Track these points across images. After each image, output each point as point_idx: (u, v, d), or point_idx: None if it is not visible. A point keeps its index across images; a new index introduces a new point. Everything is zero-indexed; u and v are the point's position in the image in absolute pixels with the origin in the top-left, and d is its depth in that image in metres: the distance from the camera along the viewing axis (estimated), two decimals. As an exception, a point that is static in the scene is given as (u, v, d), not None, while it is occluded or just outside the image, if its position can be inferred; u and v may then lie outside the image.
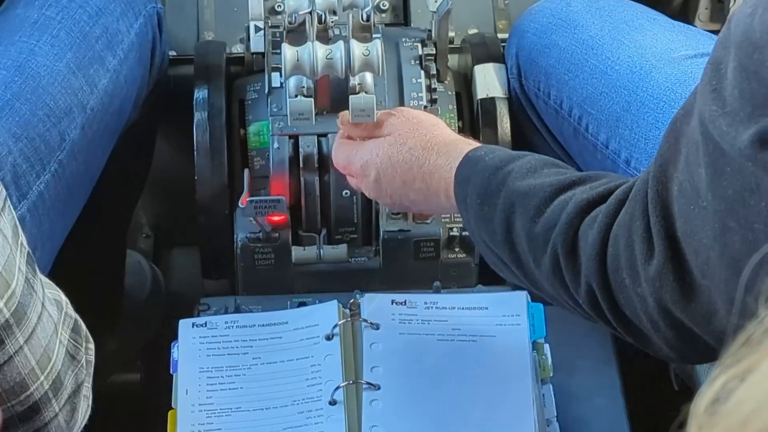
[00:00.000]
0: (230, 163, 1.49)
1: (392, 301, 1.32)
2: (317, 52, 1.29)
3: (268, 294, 1.42)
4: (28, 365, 0.96)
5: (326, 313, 1.31)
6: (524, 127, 1.55)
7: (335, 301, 1.32)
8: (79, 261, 1.46)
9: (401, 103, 1.48)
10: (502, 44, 1.59)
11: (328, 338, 1.28)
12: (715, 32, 1.09)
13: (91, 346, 1.08)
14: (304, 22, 1.35)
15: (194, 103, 1.50)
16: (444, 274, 1.46)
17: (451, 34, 1.56)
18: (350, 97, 1.31)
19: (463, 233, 1.46)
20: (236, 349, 1.30)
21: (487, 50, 1.58)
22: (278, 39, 1.46)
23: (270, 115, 1.46)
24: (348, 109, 1.31)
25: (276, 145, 1.45)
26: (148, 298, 1.81)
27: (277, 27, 1.49)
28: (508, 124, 1.52)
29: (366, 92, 1.31)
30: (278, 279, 1.45)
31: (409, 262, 1.46)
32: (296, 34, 1.34)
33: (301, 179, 1.46)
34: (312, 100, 1.32)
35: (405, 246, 1.46)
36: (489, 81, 1.54)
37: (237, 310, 1.37)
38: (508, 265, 1.12)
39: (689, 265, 0.90)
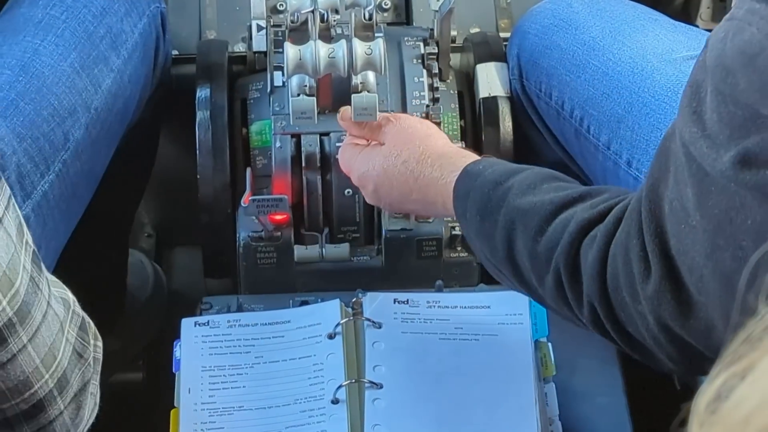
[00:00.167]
0: (232, 162, 1.49)
1: (394, 300, 1.32)
2: (319, 51, 1.29)
3: (271, 293, 1.42)
4: (32, 364, 0.96)
5: (328, 311, 1.31)
6: (526, 128, 1.55)
7: (337, 300, 1.32)
8: (81, 260, 1.46)
9: (403, 102, 1.48)
10: (504, 43, 1.59)
11: (331, 337, 1.28)
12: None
13: (99, 343, 1.08)
14: (306, 21, 1.35)
15: (196, 102, 1.50)
16: (446, 273, 1.46)
17: (453, 33, 1.56)
18: (352, 96, 1.31)
19: (465, 232, 1.46)
20: (238, 347, 1.30)
21: (489, 49, 1.58)
22: (280, 38, 1.46)
23: (272, 114, 1.46)
24: (350, 107, 1.31)
25: (278, 144, 1.45)
26: (150, 297, 1.81)
27: (279, 26, 1.49)
28: (510, 123, 1.52)
29: (368, 91, 1.32)
30: (280, 278, 1.45)
31: (412, 261, 1.46)
32: (298, 33, 1.34)
33: (304, 178, 1.46)
34: (314, 99, 1.32)
35: (407, 245, 1.46)
36: (491, 80, 1.54)
37: (239, 309, 1.37)
38: (510, 279, 1.13)
39: (685, 283, 0.90)
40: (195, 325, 1.31)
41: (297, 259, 1.45)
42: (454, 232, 1.46)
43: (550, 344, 1.29)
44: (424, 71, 1.51)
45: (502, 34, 1.66)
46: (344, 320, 1.29)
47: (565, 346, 1.32)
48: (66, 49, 1.39)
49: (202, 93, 1.51)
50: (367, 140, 1.34)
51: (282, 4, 1.50)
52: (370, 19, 1.33)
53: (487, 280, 1.46)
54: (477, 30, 1.70)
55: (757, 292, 0.60)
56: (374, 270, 1.47)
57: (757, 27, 0.80)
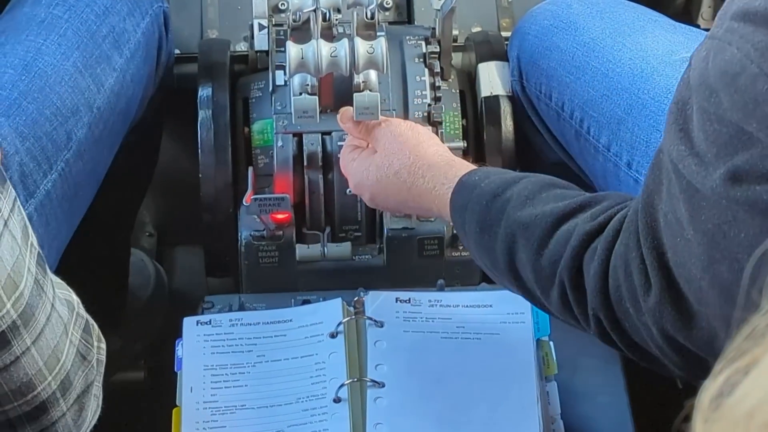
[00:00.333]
0: (234, 161, 1.49)
1: (396, 299, 1.32)
2: (321, 50, 1.29)
3: (272, 292, 1.42)
4: (36, 366, 0.96)
5: (330, 310, 1.31)
6: (526, 129, 1.55)
7: (339, 299, 1.32)
8: (83, 259, 1.46)
9: (405, 101, 1.49)
10: (506, 42, 1.59)
11: (333, 336, 1.29)
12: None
13: (103, 345, 1.08)
14: (308, 20, 1.35)
15: (198, 101, 1.50)
16: (448, 271, 1.46)
17: (455, 32, 1.55)
18: (354, 95, 1.31)
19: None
20: (240, 346, 1.30)
21: (491, 48, 1.58)
22: (282, 37, 1.46)
23: (274, 113, 1.46)
24: (352, 106, 1.31)
25: (280, 143, 1.45)
26: (152, 296, 1.81)
27: (281, 25, 1.49)
28: (512, 122, 1.52)
29: (370, 90, 1.32)
30: (282, 277, 1.45)
31: (413, 259, 1.46)
32: (300, 32, 1.34)
33: (305, 177, 1.46)
34: (316, 98, 1.33)
35: (409, 244, 1.46)
36: (493, 79, 1.54)
37: (241, 308, 1.37)
38: (513, 289, 1.13)
39: (685, 294, 0.90)
40: (197, 324, 1.31)
41: (299, 258, 1.45)
42: (455, 231, 1.46)
43: (551, 343, 1.29)
44: (426, 70, 1.51)
45: (504, 33, 1.66)
46: (346, 319, 1.29)
47: (566, 344, 1.31)
48: (69, 49, 1.39)
49: (204, 92, 1.51)
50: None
51: (284, 3, 1.50)
52: (372, 18, 1.34)
53: (488, 279, 1.46)
54: (478, 29, 1.70)
55: (761, 288, 0.60)
56: (376, 269, 1.47)
57: (737, 46, 0.80)
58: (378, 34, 1.34)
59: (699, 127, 0.83)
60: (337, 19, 1.37)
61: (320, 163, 1.45)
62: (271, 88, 1.48)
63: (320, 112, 1.34)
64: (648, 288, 0.93)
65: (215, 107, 1.50)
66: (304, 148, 1.45)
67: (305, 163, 1.45)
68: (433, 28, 1.54)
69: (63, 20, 1.41)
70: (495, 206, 1.11)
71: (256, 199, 1.40)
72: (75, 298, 1.05)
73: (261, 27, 1.53)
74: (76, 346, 1.02)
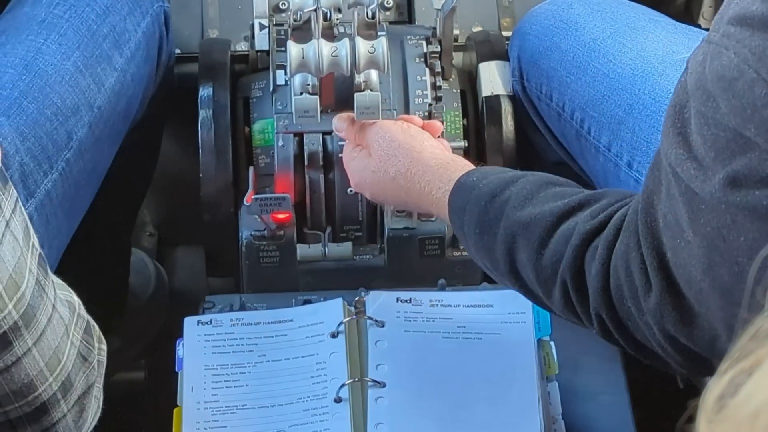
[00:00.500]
0: (235, 161, 1.49)
1: (397, 299, 1.32)
2: (322, 49, 1.29)
3: (273, 292, 1.42)
4: (37, 367, 0.96)
5: (331, 310, 1.31)
6: (527, 129, 1.55)
7: (340, 299, 1.32)
8: (84, 259, 1.46)
9: (406, 101, 1.49)
10: (507, 42, 1.59)
11: (333, 336, 1.28)
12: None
13: (104, 347, 1.08)
14: (309, 20, 1.35)
15: (198, 100, 1.50)
16: (449, 271, 1.46)
17: (456, 31, 1.56)
18: (355, 94, 1.31)
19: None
20: (241, 346, 1.30)
21: (492, 48, 1.58)
22: (283, 37, 1.46)
23: (275, 113, 1.46)
24: (353, 106, 1.31)
25: (281, 143, 1.45)
26: (152, 296, 1.81)
27: (282, 25, 1.49)
28: (513, 122, 1.52)
29: (371, 90, 1.31)
30: (283, 277, 1.45)
31: (414, 259, 1.46)
32: (301, 31, 1.34)
33: (306, 177, 1.46)
34: (317, 97, 1.32)
35: (410, 244, 1.46)
36: (493, 79, 1.54)
37: (242, 308, 1.37)
38: (514, 289, 1.13)
39: (685, 295, 0.91)
40: (198, 324, 1.31)
41: (300, 257, 1.45)
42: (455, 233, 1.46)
43: (552, 343, 1.29)
44: (427, 70, 1.51)
45: (505, 33, 1.66)
46: (347, 319, 1.29)
47: (567, 344, 1.31)
48: (69, 48, 1.39)
49: (205, 92, 1.51)
50: None
51: (284, 3, 1.50)
52: (373, 17, 1.34)
53: (489, 279, 1.46)
54: (479, 29, 1.70)
55: (765, 289, 0.60)
56: (377, 269, 1.47)
57: (734, 51, 0.80)
58: (379, 33, 1.34)
59: (697, 131, 0.83)
60: (337, 19, 1.37)
61: (321, 163, 1.45)
62: (271, 88, 1.48)
63: (321, 111, 1.34)
64: (648, 288, 0.93)
65: (216, 107, 1.49)
66: (305, 147, 1.45)
67: (306, 163, 1.45)
68: (434, 28, 1.54)
69: (63, 20, 1.41)
70: (494, 207, 1.11)
71: (256, 199, 1.40)
72: (76, 299, 1.05)
73: (262, 27, 1.53)
74: (77, 347, 1.02)
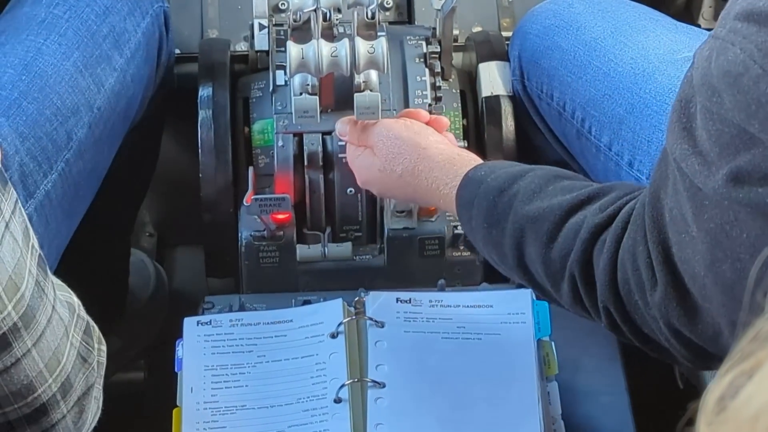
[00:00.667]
0: (234, 161, 1.49)
1: (397, 299, 1.32)
2: (322, 49, 1.28)
3: (273, 292, 1.42)
4: (36, 368, 0.96)
5: (331, 311, 1.31)
6: (527, 128, 1.55)
7: (340, 299, 1.32)
8: (83, 260, 1.46)
9: (406, 101, 1.48)
10: (507, 42, 1.59)
11: (333, 336, 1.28)
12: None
13: (104, 348, 1.08)
14: (308, 20, 1.35)
15: (198, 101, 1.50)
16: (449, 272, 1.46)
17: (456, 32, 1.56)
18: (355, 95, 1.31)
19: (467, 232, 1.46)
20: (241, 347, 1.30)
21: (492, 48, 1.58)
22: (283, 37, 1.46)
23: (274, 113, 1.46)
24: (352, 107, 1.31)
25: (280, 143, 1.45)
26: (152, 296, 1.81)
27: (282, 25, 1.49)
28: (513, 122, 1.52)
29: (371, 90, 1.31)
30: (283, 277, 1.45)
31: (414, 260, 1.46)
32: (301, 31, 1.34)
33: (306, 177, 1.46)
34: (317, 97, 1.32)
35: (410, 244, 1.46)
36: (493, 79, 1.54)
37: (241, 309, 1.37)
38: (522, 282, 1.13)
39: (690, 290, 0.91)
40: (197, 325, 1.31)
41: (299, 258, 1.45)
42: (456, 231, 1.46)
43: (552, 343, 1.29)
44: (427, 70, 1.51)
45: (504, 33, 1.66)
46: (347, 319, 1.29)
47: (567, 345, 1.31)
48: (69, 49, 1.39)
49: (204, 92, 1.51)
50: None
51: (284, 3, 1.50)
52: (373, 17, 1.33)
53: (489, 279, 1.46)
54: (479, 29, 1.70)
55: (765, 291, 0.60)
56: (377, 269, 1.47)
57: (740, 47, 0.80)
58: (379, 34, 1.34)
59: (702, 126, 0.83)
60: (337, 19, 1.37)
61: (321, 163, 1.45)
62: (271, 88, 1.48)
63: (321, 112, 1.33)
64: (654, 282, 0.93)
65: (215, 107, 1.49)
66: (305, 148, 1.45)
67: (306, 163, 1.45)
68: (434, 28, 1.54)
69: (63, 20, 1.41)
70: (502, 201, 1.11)
71: (256, 199, 1.40)
72: (76, 300, 1.05)
73: (261, 27, 1.53)
74: (77, 348, 1.01)
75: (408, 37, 1.53)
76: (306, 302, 1.36)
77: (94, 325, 1.07)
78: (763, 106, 0.78)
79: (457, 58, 1.61)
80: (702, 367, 1.03)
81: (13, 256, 0.91)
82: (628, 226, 0.98)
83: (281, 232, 1.44)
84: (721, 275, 0.84)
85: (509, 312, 1.31)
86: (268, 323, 1.32)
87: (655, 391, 1.46)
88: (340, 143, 1.43)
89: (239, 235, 1.45)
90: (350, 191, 1.45)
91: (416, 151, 1.25)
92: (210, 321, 1.31)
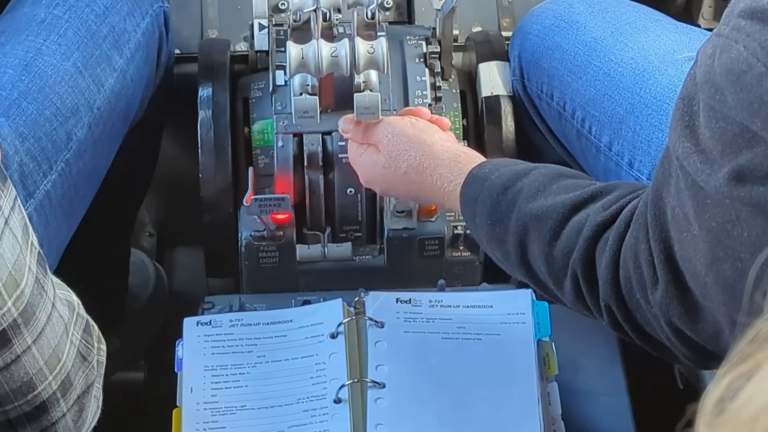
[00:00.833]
0: (234, 161, 1.49)
1: (397, 300, 1.32)
2: (322, 50, 1.28)
3: (273, 292, 1.42)
4: (36, 365, 0.96)
5: (331, 311, 1.31)
6: (527, 129, 1.55)
7: (340, 300, 1.32)
8: (83, 260, 1.46)
9: (406, 101, 1.48)
10: (507, 42, 1.59)
11: (333, 336, 1.28)
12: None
13: (103, 347, 1.08)
14: (308, 20, 1.35)
15: (198, 101, 1.50)
16: (448, 272, 1.46)
17: (456, 32, 1.55)
18: (355, 95, 1.31)
19: (468, 232, 1.45)
20: (241, 347, 1.30)
21: (492, 48, 1.58)
22: (282, 37, 1.46)
23: (274, 114, 1.46)
24: (352, 107, 1.31)
25: (280, 144, 1.45)
26: (152, 296, 1.81)
27: (281, 25, 1.49)
28: (513, 122, 1.52)
29: (371, 90, 1.31)
30: (283, 277, 1.45)
31: (414, 260, 1.46)
32: (301, 32, 1.34)
33: (306, 177, 1.45)
34: (317, 98, 1.32)
35: (409, 244, 1.46)
36: (493, 79, 1.54)
37: (241, 309, 1.37)
38: (524, 281, 1.13)
39: (690, 288, 0.91)
40: (197, 325, 1.31)
41: (299, 258, 1.45)
42: (456, 232, 1.46)
43: (552, 344, 1.29)
44: (427, 70, 1.51)
45: (504, 33, 1.66)
46: (346, 320, 1.29)
47: (567, 345, 1.31)
48: (69, 49, 1.39)
49: (204, 92, 1.51)
50: None
51: (284, 3, 1.50)
52: (373, 18, 1.33)
53: (489, 279, 1.46)
54: (479, 29, 1.70)
55: (764, 292, 0.60)
56: (376, 269, 1.47)
57: (744, 44, 0.80)
58: (378, 34, 1.33)
59: (705, 124, 0.83)
60: (337, 19, 1.37)
61: (321, 163, 1.45)
62: (271, 88, 1.48)
63: (321, 112, 1.33)
64: (656, 281, 0.94)
65: (215, 107, 1.49)
66: (305, 148, 1.45)
67: (306, 164, 1.45)
68: (434, 28, 1.54)
69: (63, 20, 1.41)
70: (506, 199, 1.11)
71: (256, 200, 1.40)
72: (75, 299, 1.05)
73: (261, 27, 1.53)
74: (77, 346, 1.02)
75: (408, 37, 1.53)
76: (306, 302, 1.36)
77: (94, 324, 1.07)
78: (766, 104, 0.78)
79: (457, 58, 1.61)
80: (703, 366, 1.03)
81: (12, 253, 0.91)
82: (631, 224, 0.98)
83: (281, 233, 1.44)
84: (722, 274, 0.84)
85: (509, 312, 1.31)
86: (267, 323, 1.32)
87: (655, 391, 1.46)
88: (340, 143, 1.43)
89: (239, 235, 1.45)
90: (350, 191, 1.45)
91: (421, 148, 1.26)
92: (210, 321, 1.31)
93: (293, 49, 1.29)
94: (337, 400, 1.23)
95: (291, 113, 1.37)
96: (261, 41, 1.53)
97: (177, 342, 1.30)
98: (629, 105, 1.38)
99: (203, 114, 1.49)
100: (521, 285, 1.29)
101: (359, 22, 1.33)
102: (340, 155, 1.44)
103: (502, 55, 1.57)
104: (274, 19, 1.50)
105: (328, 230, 1.47)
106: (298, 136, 1.45)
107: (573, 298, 1.06)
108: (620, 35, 1.44)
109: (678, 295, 0.92)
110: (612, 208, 1.03)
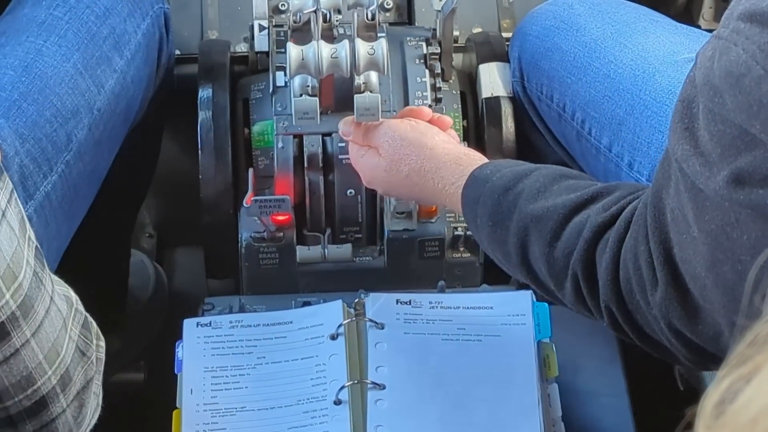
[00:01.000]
0: (234, 162, 1.49)
1: (397, 301, 1.32)
2: (322, 51, 1.28)
3: (273, 293, 1.42)
4: (36, 359, 0.95)
5: (331, 312, 1.31)
6: (527, 130, 1.55)
7: (340, 301, 1.32)
8: (83, 261, 1.46)
9: (406, 103, 1.48)
10: (507, 43, 1.59)
11: (333, 338, 1.28)
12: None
13: (102, 344, 1.08)
14: (308, 21, 1.35)
15: (198, 102, 1.50)
16: (449, 273, 1.46)
17: (456, 33, 1.55)
18: (355, 96, 1.31)
19: (468, 233, 1.45)
20: (241, 348, 1.30)
21: (492, 49, 1.58)
22: (282, 38, 1.46)
23: (274, 115, 1.46)
24: (352, 108, 1.31)
25: (280, 145, 1.45)
26: (152, 297, 1.81)
27: (282, 26, 1.49)
28: (513, 123, 1.52)
29: (371, 91, 1.31)
30: (283, 278, 1.45)
31: (414, 261, 1.46)
32: (301, 33, 1.34)
33: (306, 179, 1.45)
34: (317, 99, 1.32)
35: (410, 245, 1.46)
36: (493, 80, 1.54)
37: (241, 310, 1.37)
38: (525, 282, 1.13)
39: (690, 290, 0.91)
40: (197, 326, 1.31)
41: (299, 259, 1.45)
42: (456, 233, 1.46)
43: (553, 345, 1.29)
44: (427, 71, 1.51)
45: (505, 34, 1.66)
46: (346, 321, 1.29)
47: (568, 346, 1.31)
48: (69, 50, 1.39)
49: (204, 93, 1.51)
50: None
51: (284, 4, 1.50)
52: (373, 19, 1.33)
53: (489, 280, 1.46)
54: (479, 30, 1.70)
55: (763, 295, 0.60)
56: (376, 271, 1.47)
57: (743, 47, 0.80)
58: (379, 35, 1.33)
59: (704, 126, 0.83)
60: (337, 20, 1.37)
61: (321, 165, 1.45)
62: (271, 90, 1.48)
63: (321, 113, 1.33)
64: (655, 282, 0.94)
65: (215, 108, 1.49)
66: (305, 149, 1.45)
67: (306, 165, 1.45)
68: (434, 29, 1.54)
69: (63, 21, 1.41)
70: (507, 200, 1.11)
71: (256, 201, 1.40)
72: (73, 295, 1.05)
73: (261, 28, 1.53)
74: (75, 341, 1.01)
75: (408, 38, 1.53)
76: (306, 304, 1.36)
77: (92, 321, 1.07)
78: (765, 107, 0.78)
79: (458, 59, 1.61)
80: (703, 367, 1.03)
81: (10, 245, 0.91)
82: (631, 225, 0.98)
83: (281, 234, 1.44)
84: (722, 276, 0.84)
85: (509, 313, 1.31)
86: (267, 325, 1.32)
87: (655, 392, 1.46)
88: (340, 144, 1.43)
89: (239, 236, 1.45)
90: (350, 193, 1.45)
91: (422, 152, 1.26)
92: (210, 322, 1.31)
93: (293, 50, 1.29)
94: (337, 402, 1.23)
95: (291, 114, 1.37)
96: (261, 42, 1.53)
97: (177, 343, 1.30)
98: (629, 106, 1.38)
99: (203, 115, 1.49)
100: (521, 286, 1.29)
101: (359, 23, 1.33)
102: (340, 156, 1.43)
103: (503, 56, 1.57)
104: (274, 20, 1.50)
105: (328, 231, 1.47)
106: (299, 138, 1.45)
107: (573, 299, 1.06)
108: (620, 37, 1.44)
109: (678, 296, 0.92)
110: (612, 209, 1.03)
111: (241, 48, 1.67)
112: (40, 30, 1.40)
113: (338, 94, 1.42)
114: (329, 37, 1.33)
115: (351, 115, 1.33)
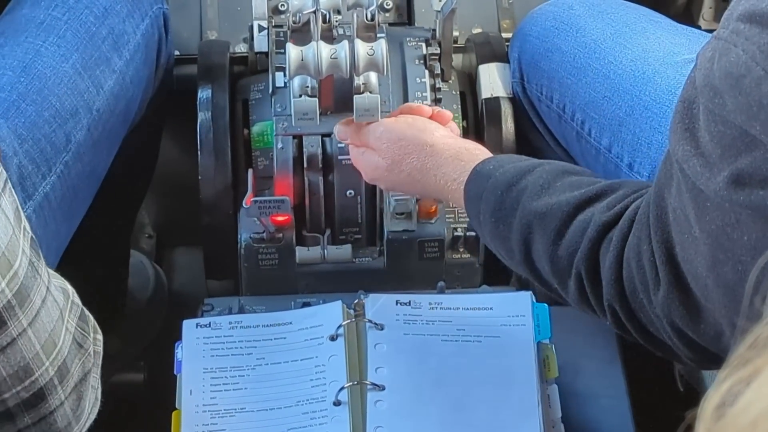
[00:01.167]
0: (234, 163, 1.49)
1: (397, 302, 1.32)
2: (322, 51, 1.28)
3: (272, 294, 1.42)
4: (33, 349, 0.95)
5: (330, 313, 1.31)
6: (527, 131, 1.55)
7: (339, 302, 1.32)
8: (82, 261, 1.45)
9: (405, 103, 1.48)
10: (507, 43, 1.59)
11: (333, 339, 1.28)
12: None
13: (100, 337, 1.08)
14: (308, 22, 1.34)
15: (197, 102, 1.50)
16: (448, 274, 1.46)
17: (456, 33, 1.55)
18: (355, 96, 1.31)
19: (468, 233, 1.45)
20: (240, 349, 1.30)
21: (492, 50, 1.58)
22: (282, 38, 1.46)
23: (274, 115, 1.46)
24: (352, 109, 1.31)
25: (280, 145, 1.45)
26: (151, 298, 1.81)
27: (281, 26, 1.49)
28: (513, 124, 1.52)
29: (370, 92, 1.31)
30: (282, 279, 1.45)
31: (414, 262, 1.46)
32: (300, 33, 1.33)
33: (305, 179, 1.45)
34: (316, 99, 1.32)
35: (409, 246, 1.46)
36: (493, 80, 1.54)
37: (241, 311, 1.36)
38: (528, 278, 1.13)
39: (692, 289, 0.91)
40: (196, 327, 1.31)
41: (299, 260, 1.45)
42: (456, 234, 1.46)
43: (552, 346, 1.29)
44: (426, 72, 1.51)
45: (504, 35, 1.66)
46: (346, 322, 1.29)
47: (567, 347, 1.31)
48: (68, 51, 1.39)
49: (204, 94, 1.51)
50: None
51: (284, 5, 1.50)
52: (372, 19, 1.33)
53: (489, 281, 1.46)
54: (479, 30, 1.70)
55: (764, 297, 0.60)
56: (376, 271, 1.47)
57: (743, 48, 0.80)
58: (378, 35, 1.33)
59: (704, 127, 0.83)
60: (337, 21, 1.36)
61: (320, 165, 1.45)
62: (270, 90, 1.48)
63: (320, 114, 1.33)
64: (657, 282, 0.94)
65: (215, 109, 1.49)
66: (304, 150, 1.45)
67: (305, 165, 1.45)
68: (434, 30, 1.54)
69: (62, 22, 1.41)
70: (510, 196, 1.11)
71: (256, 201, 1.40)
72: (70, 288, 1.05)
73: (261, 28, 1.52)
74: (72, 333, 1.01)
75: (408, 39, 1.53)
76: (305, 304, 1.36)
77: (89, 314, 1.07)
78: (765, 108, 0.78)
79: (457, 59, 1.61)
80: (704, 366, 1.03)
81: (5, 233, 0.91)
82: (634, 224, 0.98)
83: (281, 234, 1.44)
84: (723, 277, 0.84)
85: (509, 314, 1.31)
86: (267, 326, 1.32)
87: (655, 393, 1.46)
88: (339, 145, 1.43)
89: (239, 237, 1.45)
90: (350, 193, 1.45)
91: (423, 149, 1.25)
92: (209, 323, 1.31)
93: (293, 51, 1.28)
94: (337, 403, 1.23)
95: (291, 115, 1.37)
96: (260, 43, 1.53)
97: (176, 344, 1.30)
98: (629, 107, 1.38)
99: (203, 116, 1.49)
100: (521, 287, 1.29)
101: (359, 24, 1.33)
102: (339, 157, 1.43)
103: (502, 57, 1.57)
104: (273, 21, 1.50)
105: (328, 232, 1.47)
106: (298, 138, 1.45)
107: (577, 298, 1.06)
108: (620, 37, 1.44)
109: (679, 296, 0.92)
110: (616, 207, 1.03)
111: (241, 48, 1.67)
112: (38, 30, 1.40)
113: (338, 94, 1.42)
114: (329, 37, 1.33)
115: (351, 116, 1.32)
